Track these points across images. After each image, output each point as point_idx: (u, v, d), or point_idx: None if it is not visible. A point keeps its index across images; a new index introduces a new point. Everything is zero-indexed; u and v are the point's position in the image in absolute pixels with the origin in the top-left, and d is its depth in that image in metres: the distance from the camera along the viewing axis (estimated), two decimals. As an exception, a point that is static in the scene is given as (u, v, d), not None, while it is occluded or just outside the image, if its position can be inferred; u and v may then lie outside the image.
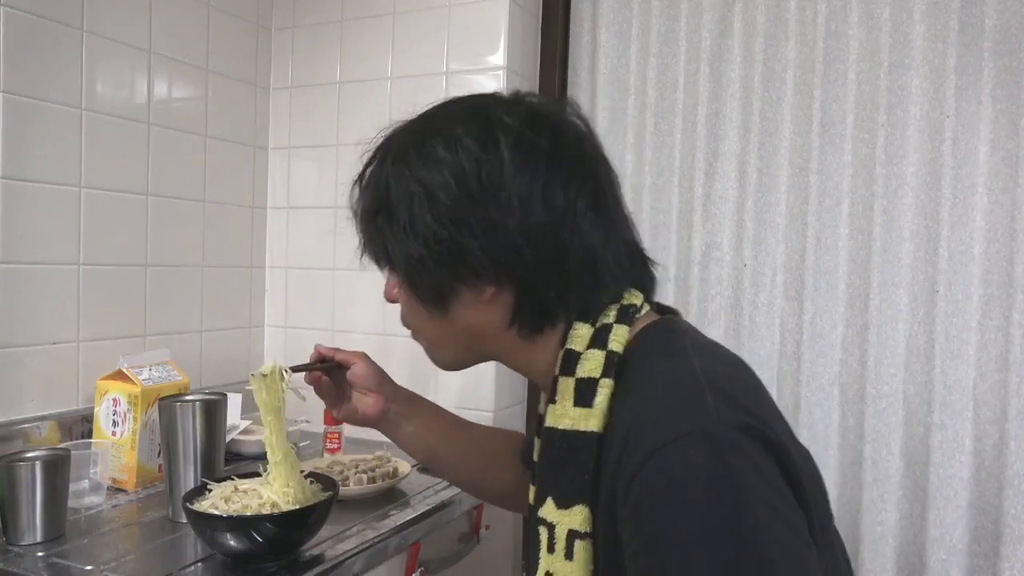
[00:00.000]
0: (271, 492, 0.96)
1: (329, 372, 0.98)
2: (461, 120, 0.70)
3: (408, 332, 0.81)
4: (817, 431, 1.47)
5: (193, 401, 1.12)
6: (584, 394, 0.65)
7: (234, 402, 1.47)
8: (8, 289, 1.25)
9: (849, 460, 1.46)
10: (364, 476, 1.26)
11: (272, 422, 0.93)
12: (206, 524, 0.93)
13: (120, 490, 1.25)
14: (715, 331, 1.57)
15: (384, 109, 1.70)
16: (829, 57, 1.47)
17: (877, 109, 1.43)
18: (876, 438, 1.42)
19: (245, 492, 0.98)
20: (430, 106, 0.76)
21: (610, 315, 0.69)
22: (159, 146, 1.52)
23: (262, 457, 1.43)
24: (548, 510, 0.64)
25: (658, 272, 0.78)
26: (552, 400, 0.68)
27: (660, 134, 1.64)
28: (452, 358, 0.79)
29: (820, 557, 0.58)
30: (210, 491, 1.00)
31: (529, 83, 1.71)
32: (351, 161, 1.93)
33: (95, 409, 1.28)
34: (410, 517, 1.17)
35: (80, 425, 1.33)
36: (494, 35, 1.59)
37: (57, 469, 1.04)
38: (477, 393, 1.59)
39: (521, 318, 0.70)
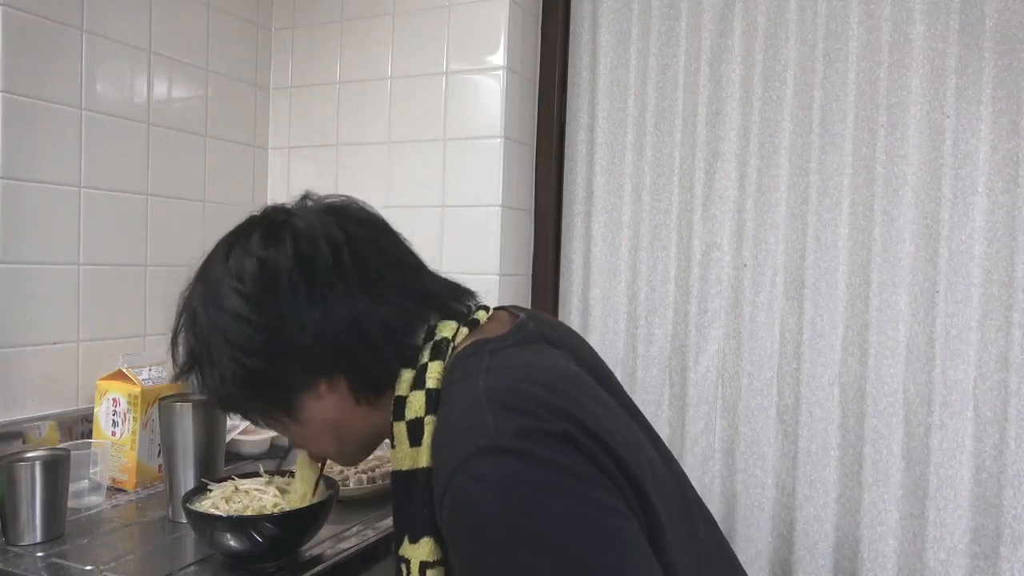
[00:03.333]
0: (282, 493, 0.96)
1: None
2: (218, 262, 0.76)
3: None
4: (817, 431, 1.47)
5: (193, 401, 1.12)
6: (415, 434, 0.70)
7: (234, 402, 1.47)
8: (8, 289, 1.25)
9: (849, 460, 1.46)
10: (364, 476, 1.26)
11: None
12: (206, 524, 0.93)
13: (120, 490, 1.25)
14: (715, 331, 1.58)
15: (384, 109, 1.70)
16: (829, 57, 1.47)
17: (877, 109, 1.43)
18: (876, 438, 1.42)
19: (246, 492, 0.98)
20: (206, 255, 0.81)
21: (424, 355, 0.74)
22: (159, 146, 1.52)
23: (262, 457, 1.45)
24: (404, 548, 0.70)
25: (467, 287, 0.83)
26: (393, 447, 0.73)
27: (660, 134, 1.64)
28: (336, 455, 0.84)
29: (654, 520, 0.62)
30: (210, 491, 1.00)
31: (529, 83, 1.71)
32: (351, 161, 1.93)
33: (95, 409, 1.28)
34: (410, 517, 1.17)
35: (80, 425, 1.33)
36: (494, 35, 1.59)
37: (57, 469, 1.04)
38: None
39: (360, 393, 0.75)
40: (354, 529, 1.10)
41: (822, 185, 1.48)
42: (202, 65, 1.62)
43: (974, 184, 1.37)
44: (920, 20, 1.40)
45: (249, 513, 0.93)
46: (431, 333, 0.75)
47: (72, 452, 1.10)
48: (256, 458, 1.44)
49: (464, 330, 0.76)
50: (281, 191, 1.82)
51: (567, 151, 1.75)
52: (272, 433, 1.51)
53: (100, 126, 1.39)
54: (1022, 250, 1.33)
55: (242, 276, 0.73)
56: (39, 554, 0.99)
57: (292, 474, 1.03)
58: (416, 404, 0.71)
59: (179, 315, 0.80)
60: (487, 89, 1.61)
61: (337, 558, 1.00)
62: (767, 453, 1.52)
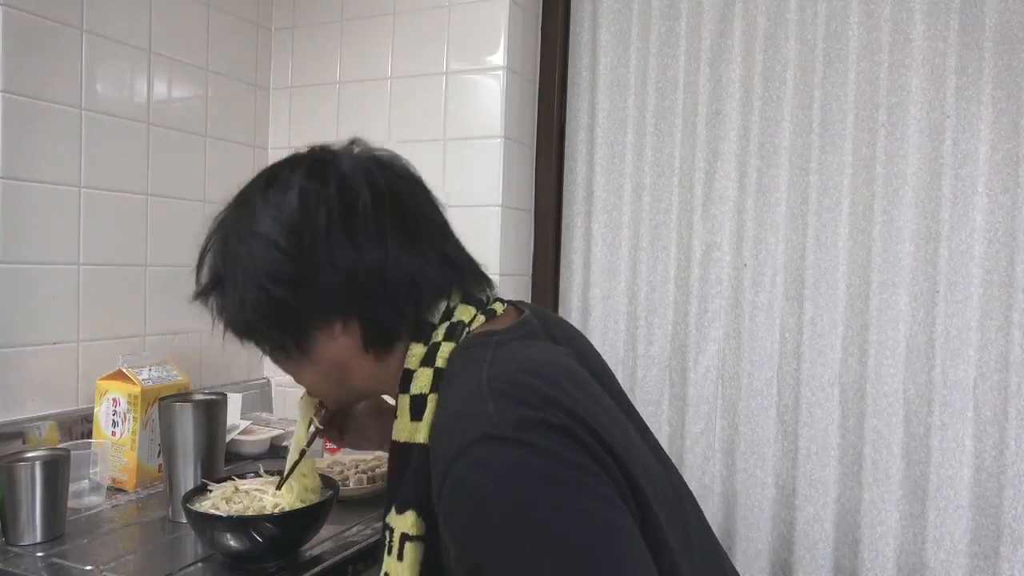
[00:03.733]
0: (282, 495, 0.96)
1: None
2: (258, 189, 0.77)
3: None
4: (817, 431, 1.47)
5: (193, 401, 1.12)
6: (417, 409, 0.71)
7: (234, 402, 1.48)
8: (8, 289, 1.25)
9: (849, 460, 1.46)
10: (364, 476, 1.26)
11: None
12: (206, 524, 0.93)
13: (120, 490, 1.25)
14: (715, 331, 1.58)
15: (384, 109, 1.70)
16: (829, 57, 1.47)
17: (877, 109, 1.43)
18: (876, 438, 1.42)
19: (246, 492, 0.98)
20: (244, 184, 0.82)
21: (440, 333, 0.75)
22: (159, 146, 1.52)
23: (262, 457, 1.45)
24: (390, 516, 0.71)
25: (487, 272, 0.84)
26: (395, 417, 0.74)
27: (660, 134, 1.64)
28: (334, 396, 0.86)
29: (650, 517, 0.63)
30: (210, 491, 1.00)
31: (529, 83, 1.71)
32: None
33: (95, 409, 1.28)
34: (410, 517, 1.17)
35: (80, 425, 1.33)
36: (494, 35, 1.59)
37: (57, 469, 1.04)
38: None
39: (371, 342, 0.76)
40: (354, 529, 1.10)
41: (822, 185, 1.48)
42: (202, 65, 1.62)
43: (974, 184, 1.37)
44: (920, 20, 1.40)
45: (249, 513, 0.93)
46: (449, 313, 0.76)
47: (72, 452, 1.10)
48: (256, 458, 1.44)
49: (481, 318, 0.77)
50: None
51: (567, 151, 1.75)
52: (272, 433, 1.51)
53: (100, 126, 1.39)
54: (1022, 250, 1.33)
55: (281, 205, 0.74)
56: (39, 554, 0.99)
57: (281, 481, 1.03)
58: (423, 380, 0.72)
59: (209, 236, 0.80)
60: (487, 89, 1.61)
61: (337, 558, 1.00)
62: (767, 453, 1.52)
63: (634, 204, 1.66)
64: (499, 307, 0.81)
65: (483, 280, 0.82)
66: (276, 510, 0.94)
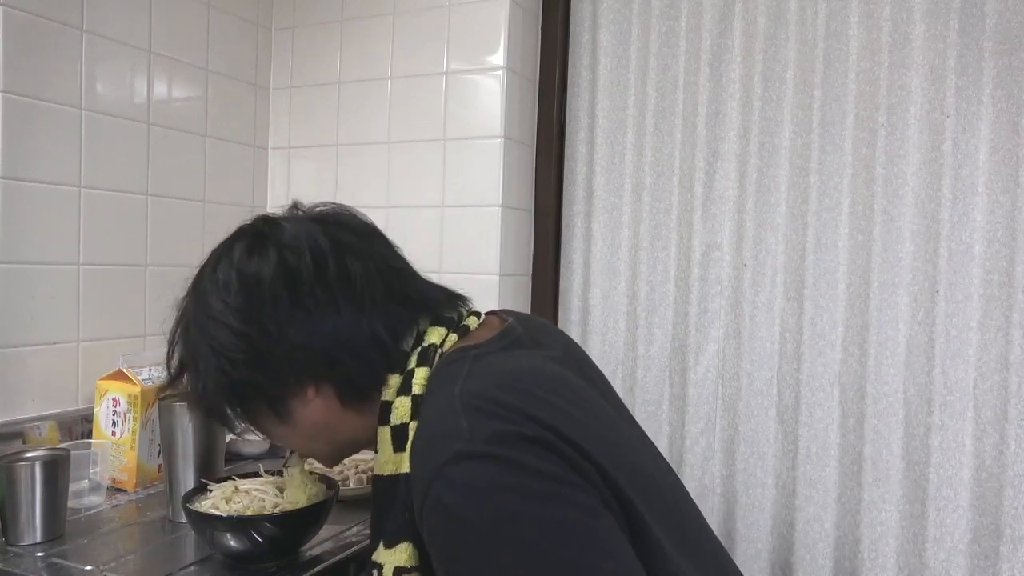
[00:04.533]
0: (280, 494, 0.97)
1: None
2: (206, 273, 0.78)
3: None
4: (817, 431, 1.47)
5: (193, 401, 1.12)
6: (399, 439, 0.71)
7: (234, 402, 1.47)
8: (8, 289, 1.25)
9: (849, 460, 1.46)
10: (364, 476, 1.26)
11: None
12: (206, 524, 0.93)
13: (120, 490, 1.25)
14: (715, 331, 1.58)
15: (384, 109, 1.70)
16: (829, 57, 1.47)
17: (877, 109, 1.43)
18: (876, 438, 1.42)
19: (246, 492, 0.98)
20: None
21: (413, 359, 0.74)
22: (159, 146, 1.52)
23: (262, 457, 1.45)
24: (379, 553, 0.69)
25: (458, 291, 0.83)
26: (376, 451, 0.73)
27: (660, 134, 1.64)
28: (323, 455, 0.85)
29: (632, 515, 0.62)
30: (210, 491, 1.00)
31: (529, 83, 1.71)
32: (351, 161, 1.93)
33: (95, 409, 1.28)
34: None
35: (80, 425, 1.33)
36: (494, 35, 1.59)
37: (57, 469, 1.04)
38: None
39: (347, 398, 0.76)
40: (354, 529, 1.10)
41: (822, 185, 1.48)
42: (202, 65, 1.62)
43: (974, 184, 1.37)
44: (920, 20, 1.40)
45: (249, 513, 0.93)
46: (419, 339, 0.76)
47: (72, 452, 1.10)
48: (256, 458, 1.43)
49: (453, 336, 0.77)
50: (281, 191, 1.82)
51: (567, 151, 1.75)
52: (272, 433, 1.50)
53: (100, 126, 1.39)
54: (1022, 250, 1.33)
55: (228, 286, 0.74)
56: (39, 554, 0.99)
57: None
58: (401, 410, 0.71)
59: (175, 325, 0.81)
60: (487, 89, 1.61)
61: (337, 558, 1.00)
62: (767, 453, 1.52)
63: (634, 204, 1.66)
64: (473, 321, 0.80)
65: (454, 300, 0.82)
66: (276, 510, 0.94)
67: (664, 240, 1.63)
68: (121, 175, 1.44)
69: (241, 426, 0.83)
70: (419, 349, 0.75)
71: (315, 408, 0.76)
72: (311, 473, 1.03)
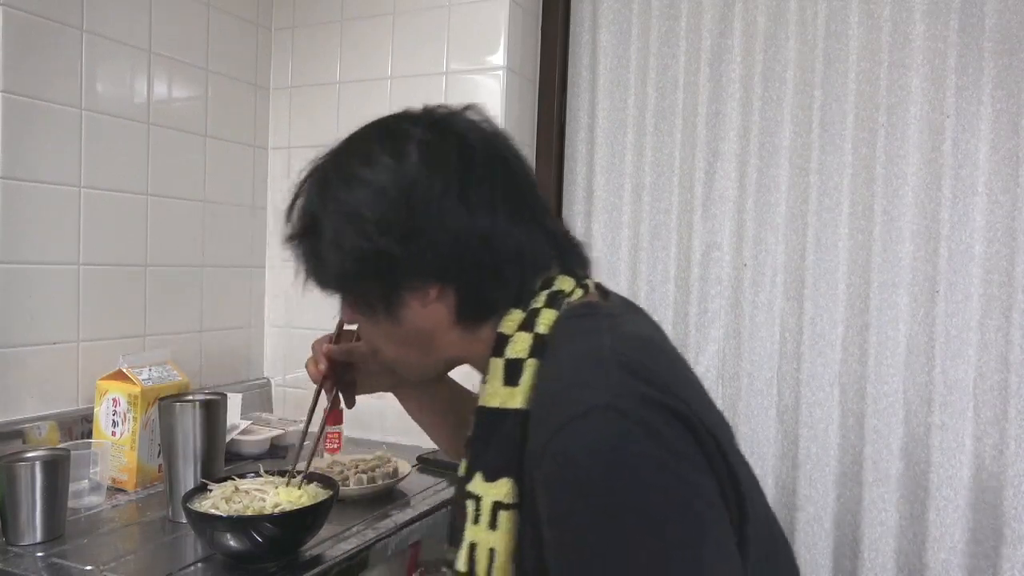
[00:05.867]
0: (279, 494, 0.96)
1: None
2: (372, 138, 0.76)
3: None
4: (817, 431, 1.47)
5: (193, 401, 1.12)
6: (512, 374, 0.69)
7: (234, 402, 1.48)
8: (8, 289, 1.25)
9: (849, 460, 1.46)
10: (364, 476, 1.26)
11: None
12: (206, 524, 0.93)
13: (120, 490, 1.25)
14: (715, 331, 1.58)
15: (384, 109, 1.68)
16: (829, 57, 1.47)
17: (877, 109, 1.43)
18: (876, 438, 1.42)
19: (246, 492, 0.98)
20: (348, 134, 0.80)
21: (540, 300, 0.72)
22: (159, 146, 1.52)
23: (262, 457, 1.45)
24: (476, 484, 0.68)
25: (590, 253, 0.82)
26: (485, 382, 0.71)
27: (660, 134, 1.64)
28: (416, 367, 0.83)
29: (743, 513, 0.62)
30: (210, 491, 1.00)
31: (529, 83, 1.71)
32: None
33: (95, 409, 1.28)
34: (410, 517, 1.17)
35: (80, 425, 1.33)
36: (494, 35, 1.59)
37: (57, 469, 1.04)
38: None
39: (464, 313, 0.74)
40: (354, 529, 1.10)
41: (822, 185, 1.48)
42: (202, 65, 1.62)
43: (974, 184, 1.37)
44: (920, 20, 1.40)
45: (249, 513, 0.93)
46: (548, 282, 0.74)
47: (72, 452, 1.10)
48: (256, 458, 1.44)
49: (579, 291, 0.75)
50: (281, 191, 1.82)
51: (567, 151, 1.75)
52: (272, 433, 1.51)
53: (100, 126, 1.39)
54: (1022, 250, 1.33)
55: (399, 154, 0.71)
56: (39, 554, 0.99)
57: (291, 474, 1.03)
58: (520, 344, 0.69)
59: (306, 177, 0.77)
60: (487, 89, 1.60)
61: (337, 558, 1.00)
62: (767, 453, 1.52)
63: (634, 204, 1.66)
64: (591, 284, 0.79)
65: (583, 260, 0.80)
66: (276, 510, 0.94)
67: (664, 240, 1.63)
68: (121, 175, 1.44)
69: (338, 315, 0.81)
70: (548, 291, 0.73)
71: (428, 313, 0.73)
72: (312, 473, 1.03)
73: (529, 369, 0.68)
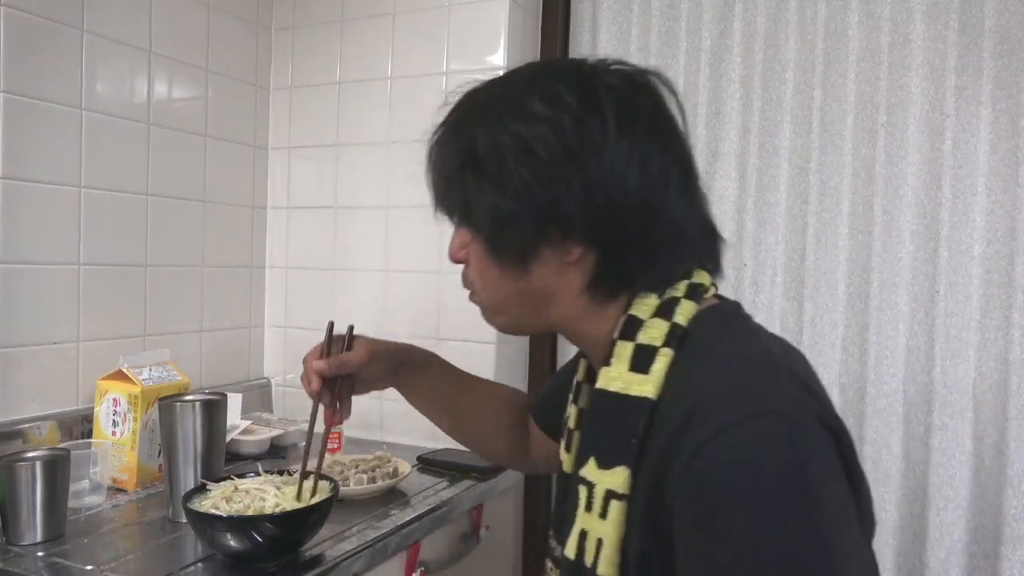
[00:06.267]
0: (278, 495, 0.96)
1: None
2: (559, 78, 0.68)
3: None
4: (817, 431, 1.47)
5: (193, 401, 1.12)
6: (641, 360, 0.65)
7: (234, 402, 1.48)
8: (8, 289, 1.25)
9: (849, 460, 1.45)
10: (364, 476, 1.26)
11: None
12: (206, 524, 0.93)
13: (120, 490, 1.25)
14: (715, 331, 1.57)
15: (384, 109, 1.70)
16: (829, 57, 1.47)
17: (877, 109, 1.43)
18: (876, 438, 1.42)
19: (246, 492, 0.98)
20: (511, 69, 0.74)
21: (680, 289, 0.69)
22: (159, 146, 1.52)
23: (262, 457, 1.45)
24: (589, 470, 0.65)
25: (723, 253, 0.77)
26: (607, 363, 0.67)
27: (660, 134, 1.63)
28: (515, 321, 0.77)
29: (866, 530, 0.61)
30: (210, 491, 1.00)
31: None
32: (351, 161, 1.93)
33: (95, 409, 1.28)
34: (410, 517, 1.17)
35: (80, 425, 1.33)
36: (494, 35, 1.59)
37: (57, 469, 1.04)
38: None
39: (598, 284, 0.69)
40: (354, 529, 1.10)
41: (822, 185, 1.48)
42: (202, 65, 1.62)
43: (974, 184, 1.37)
44: (920, 20, 1.40)
45: (249, 513, 0.93)
46: (687, 273, 0.70)
47: (72, 452, 1.10)
48: (256, 458, 1.44)
49: (713, 288, 0.72)
50: (281, 191, 1.82)
51: (567, 151, 1.74)
52: (272, 433, 1.51)
53: (100, 126, 1.39)
54: (1022, 250, 1.33)
55: (591, 100, 0.66)
56: (39, 554, 0.99)
57: (291, 473, 1.03)
58: (656, 331, 0.66)
59: (468, 108, 0.72)
60: (487, 89, 1.60)
61: (337, 558, 1.00)
62: (767, 453, 1.51)
63: (634, 204, 1.66)
64: (717, 285, 0.75)
65: (718, 260, 0.75)
66: (276, 510, 0.94)
67: (664, 240, 1.63)
68: (121, 175, 1.44)
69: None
70: (688, 282, 0.69)
71: (561, 274, 0.69)
72: (310, 472, 1.03)
73: (663, 359, 0.64)
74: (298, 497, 0.97)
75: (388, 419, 1.63)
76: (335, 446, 1.43)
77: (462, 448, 1.17)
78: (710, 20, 1.57)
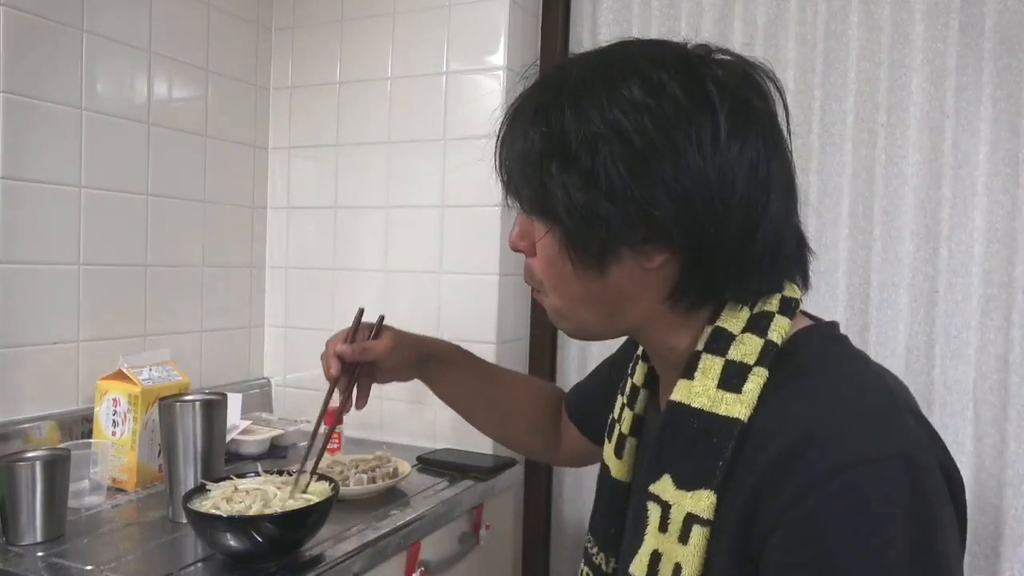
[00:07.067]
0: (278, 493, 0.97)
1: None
2: (663, 64, 0.61)
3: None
4: (817, 431, 1.47)
5: (193, 401, 1.12)
6: (732, 378, 0.60)
7: (234, 402, 1.48)
8: (8, 289, 1.25)
9: (849, 460, 1.45)
10: (364, 476, 1.26)
11: None
12: (206, 524, 0.93)
13: (120, 490, 1.25)
14: (715, 331, 1.57)
15: (384, 109, 1.70)
16: (829, 57, 1.47)
17: (877, 109, 1.43)
18: (876, 438, 1.42)
19: (246, 492, 0.98)
20: (605, 44, 0.67)
21: (772, 303, 0.64)
22: (159, 146, 1.52)
23: (262, 457, 1.45)
24: (664, 487, 0.61)
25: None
26: (689, 376, 0.63)
27: (660, 134, 1.63)
28: (585, 325, 0.70)
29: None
30: (210, 491, 1.00)
31: (529, 84, 1.71)
32: (351, 161, 1.93)
33: (95, 409, 1.28)
34: (410, 517, 1.17)
35: (80, 425, 1.33)
36: (494, 35, 1.59)
37: (57, 469, 1.04)
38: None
39: (683, 293, 0.64)
40: (354, 529, 1.10)
41: (822, 185, 1.48)
42: (202, 65, 1.62)
43: (974, 184, 1.37)
44: (920, 20, 1.40)
45: (249, 513, 0.93)
46: (779, 286, 0.66)
47: (72, 452, 1.10)
48: (256, 458, 1.44)
49: (801, 303, 0.67)
50: (281, 191, 1.82)
51: (567, 151, 1.74)
52: (272, 433, 1.51)
53: (100, 126, 1.39)
54: (1022, 250, 1.33)
55: (698, 92, 0.59)
56: (39, 554, 0.99)
57: (291, 473, 1.03)
58: (749, 348, 0.61)
59: (558, 88, 0.64)
60: (487, 89, 1.60)
61: (337, 558, 1.00)
62: (767, 453, 1.52)
63: (634, 204, 1.66)
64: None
65: (807, 274, 0.70)
66: (276, 510, 0.94)
67: (664, 240, 1.63)
68: (121, 175, 1.44)
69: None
70: (780, 296, 0.64)
71: (641, 279, 0.63)
72: (310, 472, 1.03)
73: (756, 379, 0.60)
74: (292, 491, 0.98)
75: (388, 419, 1.63)
76: (335, 446, 1.43)
77: (462, 448, 1.17)
78: (710, 20, 1.57)
